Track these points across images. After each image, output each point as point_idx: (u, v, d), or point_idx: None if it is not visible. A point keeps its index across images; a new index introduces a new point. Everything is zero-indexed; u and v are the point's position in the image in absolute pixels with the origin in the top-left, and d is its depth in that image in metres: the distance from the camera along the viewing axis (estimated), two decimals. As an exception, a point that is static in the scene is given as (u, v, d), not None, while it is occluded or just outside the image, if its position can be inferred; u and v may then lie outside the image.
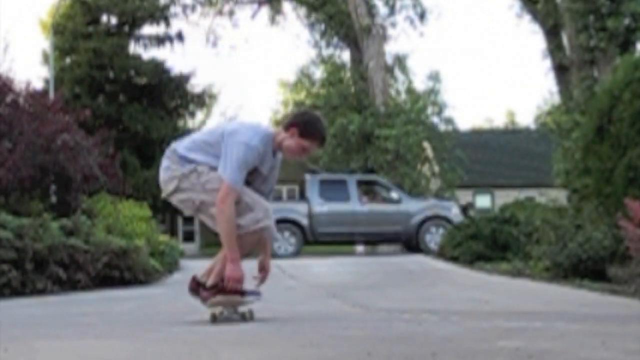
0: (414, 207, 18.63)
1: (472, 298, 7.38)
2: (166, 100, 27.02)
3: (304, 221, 18.22)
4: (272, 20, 30.60)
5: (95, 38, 26.00)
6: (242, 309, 4.93)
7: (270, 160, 4.94)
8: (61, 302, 7.82)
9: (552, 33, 23.43)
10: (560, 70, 22.78)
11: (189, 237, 29.00)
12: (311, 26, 29.55)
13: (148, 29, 27.69)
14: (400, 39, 57.29)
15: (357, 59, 26.91)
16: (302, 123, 4.92)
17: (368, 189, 20.07)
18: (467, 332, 4.35)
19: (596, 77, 20.02)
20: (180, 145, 4.96)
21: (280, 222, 17.65)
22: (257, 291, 4.97)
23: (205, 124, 32.26)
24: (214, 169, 4.82)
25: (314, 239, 18.48)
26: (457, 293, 8.10)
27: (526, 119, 62.04)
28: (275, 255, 17.02)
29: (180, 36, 27.55)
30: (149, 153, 24.19)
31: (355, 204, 18.56)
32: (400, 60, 28.94)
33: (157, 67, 26.77)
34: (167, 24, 27.65)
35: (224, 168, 4.75)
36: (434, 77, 27.15)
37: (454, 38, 73.36)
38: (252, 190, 4.90)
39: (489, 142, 34.87)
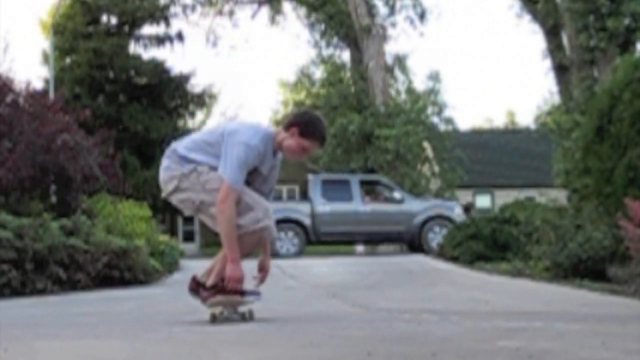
0: (417, 207, 18.65)
1: (472, 298, 7.38)
2: (166, 100, 27.02)
3: (307, 221, 18.24)
4: (272, 20, 30.63)
5: (95, 38, 26.00)
6: (242, 309, 4.93)
7: (270, 160, 4.94)
8: (61, 302, 7.81)
9: (552, 33, 23.44)
10: (560, 70, 22.79)
11: (189, 237, 29.00)
12: (311, 26, 29.57)
13: (148, 29, 27.73)
14: (400, 39, 57.34)
15: (357, 59, 26.92)
16: (303, 123, 4.91)
17: (371, 189, 20.08)
18: (467, 332, 4.35)
19: (596, 77, 20.03)
20: (180, 145, 4.96)
21: (283, 222, 17.70)
22: (257, 291, 4.97)
23: (205, 124, 32.29)
24: (214, 168, 4.82)
25: (317, 239, 18.50)
26: (457, 293, 8.09)
27: (526, 119, 62.09)
28: (278, 255, 17.09)
29: (180, 36, 27.56)
30: (149, 153, 24.19)
31: (358, 204, 18.58)
32: (400, 60, 28.95)
33: (157, 67, 26.77)
34: (167, 24, 27.66)
35: (224, 168, 4.75)
36: (434, 77, 27.17)
37: (454, 38, 73.42)
38: (252, 190, 4.90)
39: (489, 142, 34.88)
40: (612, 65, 18.08)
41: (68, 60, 26.50)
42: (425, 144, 25.91)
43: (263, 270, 5.02)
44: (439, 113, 26.94)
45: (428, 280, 9.94)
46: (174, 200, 4.94)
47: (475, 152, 29.40)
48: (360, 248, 22.68)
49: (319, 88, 29.67)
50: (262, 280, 5.01)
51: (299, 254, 17.71)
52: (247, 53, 79.91)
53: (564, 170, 17.38)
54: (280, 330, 4.59)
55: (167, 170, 4.92)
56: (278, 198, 22.52)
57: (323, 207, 18.44)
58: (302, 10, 29.63)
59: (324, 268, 12.38)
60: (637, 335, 4.28)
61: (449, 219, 17.79)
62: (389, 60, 27.87)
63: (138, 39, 27.67)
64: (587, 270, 8.44)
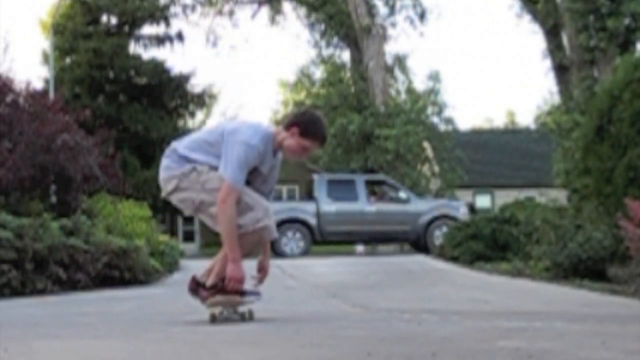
0: (422, 207, 18.67)
1: (472, 298, 7.38)
2: (166, 100, 27.01)
3: (312, 221, 18.26)
4: (272, 20, 30.64)
5: (95, 38, 25.99)
6: (242, 309, 4.92)
7: (270, 160, 4.94)
8: (61, 302, 7.81)
9: (552, 33, 23.45)
10: (560, 70, 22.79)
11: (189, 237, 29.00)
12: (311, 26, 29.58)
13: (148, 29, 27.72)
14: (400, 39, 57.28)
15: (357, 59, 26.92)
16: (303, 122, 4.91)
17: (376, 189, 20.08)
18: (467, 332, 4.35)
19: (596, 77, 20.03)
20: (180, 145, 4.96)
21: (289, 221, 17.77)
22: (257, 291, 4.97)
23: (205, 124, 32.28)
24: (213, 168, 4.81)
25: (322, 239, 18.52)
26: (457, 293, 8.09)
27: (526, 119, 62.06)
28: (284, 255, 17.12)
29: (180, 36, 27.55)
30: (149, 153, 24.19)
31: (364, 204, 18.60)
32: (400, 60, 28.96)
33: (157, 67, 26.76)
34: (167, 24, 27.65)
35: (225, 167, 4.74)
36: (434, 77, 27.17)
37: (454, 38, 73.49)
38: (252, 190, 4.89)
39: (489, 142, 34.88)
40: (612, 65, 18.09)
41: (68, 60, 26.50)
42: (425, 144, 25.91)
43: (262, 270, 5.02)
44: (439, 113, 26.94)
45: (428, 280, 9.94)
46: (174, 199, 4.94)
47: (475, 152, 29.41)
48: (360, 248, 22.68)
49: (319, 88, 29.68)
50: (261, 280, 5.00)
51: (305, 253, 17.73)
52: (247, 53, 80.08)
53: (564, 170, 17.39)
54: (280, 330, 4.59)
55: (167, 169, 4.92)
56: (278, 198, 22.53)
57: (329, 207, 18.47)
58: (302, 10, 29.64)
59: (324, 268, 12.38)
60: (637, 335, 4.28)
61: (455, 219, 17.80)
62: (389, 60, 27.88)
63: (138, 39, 27.66)
64: (587, 270, 8.44)
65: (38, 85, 19.89)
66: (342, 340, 4.07)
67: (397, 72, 29.36)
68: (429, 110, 26.63)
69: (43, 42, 27.87)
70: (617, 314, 5.71)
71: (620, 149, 8.94)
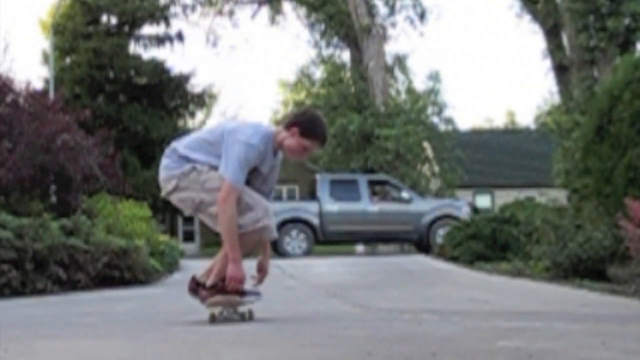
0: (425, 207, 18.68)
1: (472, 298, 7.38)
2: (166, 100, 27.01)
3: (315, 221, 18.27)
4: (272, 20, 30.63)
5: (95, 38, 25.99)
6: (242, 309, 4.92)
7: (270, 160, 4.93)
8: (61, 302, 7.81)
9: (552, 33, 23.44)
10: (560, 70, 22.79)
11: (189, 237, 29.00)
12: (311, 26, 29.58)
13: (148, 29, 27.70)
14: (400, 39, 57.25)
15: (357, 59, 26.92)
16: (303, 122, 4.90)
17: (378, 189, 20.08)
18: (467, 332, 4.35)
19: (596, 77, 20.02)
20: (180, 144, 4.96)
21: (291, 221, 17.77)
22: (257, 291, 4.97)
23: (205, 124, 32.25)
24: (213, 168, 4.81)
25: (325, 239, 18.54)
26: (457, 293, 8.09)
27: (526, 119, 62.10)
28: (286, 255, 17.14)
29: (180, 36, 27.54)
30: (149, 153, 24.18)
31: (366, 204, 18.61)
32: (400, 60, 28.96)
33: (157, 67, 26.75)
34: (167, 24, 27.64)
35: (225, 167, 4.74)
36: (434, 77, 27.19)
37: (454, 38, 73.44)
38: (252, 190, 4.89)
39: (489, 142, 34.88)
40: (612, 65, 18.09)
41: (68, 60, 26.49)
42: (425, 144, 25.91)
43: (262, 270, 5.01)
44: (439, 113, 26.95)
45: (428, 280, 9.94)
46: (174, 199, 4.94)
47: (475, 152, 29.41)
48: (360, 248, 22.69)
49: (319, 88, 29.68)
50: (260, 280, 5.00)
51: (308, 253, 17.74)
52: (247, 53, 79.99)
53: (564, 170, 17.38)
54: (280, 330, 4.59)
55: (167, 169, 4.92)
56: (278, 198, 22.54)
57: (331, 206, 18.48)
58: (302, 10, 29.63)
59: (324, 268, 12.38)
60: (637, 335, 4.28)
61: (458, 219, 17.79)
62: (389, 60, 27.88)
63: (138, 39, 27.65)
64: (587, 270, 8.44)
65: (38, 85, 19.90)
66: (342, 340, 4.07)
67: (397, 72, 29.37)
68: (429, 110, 26.64)
69: (43, 42, 27.89)
70: (617, 314, 5.71)
71: (620, 149, 8.94)
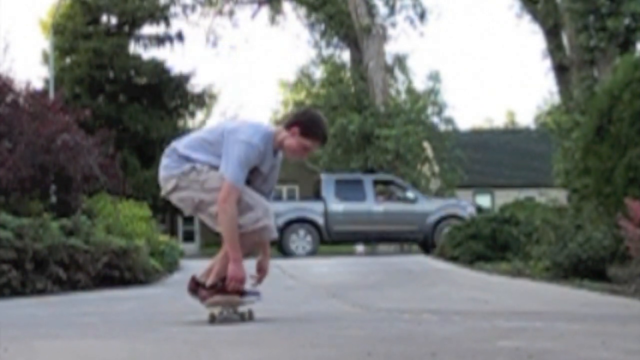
0: (430, 207, 18.69)
1: (472, 298, 7.37)
2: (166, 100, 27.01)
3: (320, 220, 18.28)
4: (272, 20, 30.64)
5: (95, 38, 25.99)
6: (242, 309, 4.92)
7: (270, 160, 4.93)
8: (61, 302, 7.81)
9: (552, 33, 23.44)
10: (560, 70, 22.79)
11: (189, 237, 29.00)
12: (311, 26, 29.58)
13: (148, 29, 27.71)
14: (400, 39, 57.26)
15: (357, 59, 26.92)
16: (304, 122, 4.90)
17: (384, 189, 20.09)
18: (467, 332, 4.35)
19: (596, 77, 20.02)
20: (180, 144, 4.96)
21: (296, 221, 17.78)
22: (257, 291, 4.97)
23: (206, 124, 32.24)
24: (213, 167, 4.81)
25: (330, 238, 18.55)
26: (457, 293, 8.09)
27: (526, 119, 62.17)
28: (292, 255, 17.16)
29: (180, 36, 27.55)
30: (149, 153, 24.18)
31: (371, 204, 18.62)
32: (400, 60, 28.97)
33: (157, 67, 26.75)
34: (167, 24, 27.64)
35: (226, 167, 4.74)
36: (434, 77, 27.20)
37: (454, 38, 73.49)
38: (252, 189, 4.88)
39: (489, 142, 34.88)
40: (612, 65, 18.07)
41: (68, 60, 26.49)
42: (425, 144, 25.92)
43: (261, 270, 5.01)
44: (439, 113, 26.96)
45: (428, 280, 9.93)
46: (174, 199, 4.94)
47: (475, 152, 29.41)
48: (360, 248, 22.69)
49: (319, 88, 29.68)
50: (260, 280, 5.00)
51: (313, 253, 17.75)
52: (247, 53, 80.00)
53: (564, 170, 17.38)
54: (280, 330, 4.59)
55: (167, 168, 4.92)
56: (278, 198, 22.54)
57: (336, 206, 18.49)
58: (302, 10, 29.63)
59: (324, 268, 12.37)
60: (637, 335, 4.28)
61: (462, 219, 17.79)
62: (389, 60, 27.89)
63: (138, 39, 27.65)
64: (587, 270, 8.44)
65: (38, 85, 19.92)
66: (342, 340, 4.07)
67: (397, 72, 29.38)
68: (429, 110, 26.65)
69: (43, 42, 27.91)
70: (617, 314, 5.71)
71: (620, 149, 8.94)
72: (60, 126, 12.80)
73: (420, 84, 28.42)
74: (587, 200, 9.72)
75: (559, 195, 16.90)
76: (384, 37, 26.98)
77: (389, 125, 24.17)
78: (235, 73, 63.96)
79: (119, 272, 10.02)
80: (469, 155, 27.04)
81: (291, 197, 27.33)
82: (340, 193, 18.67)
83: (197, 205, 4.86)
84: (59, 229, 9.69)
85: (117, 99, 26.30)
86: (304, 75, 31.33)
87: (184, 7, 28.80)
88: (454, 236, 13.30)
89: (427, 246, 18.28)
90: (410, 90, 28.38)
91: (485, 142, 34.56)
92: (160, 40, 27.42)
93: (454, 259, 12.83)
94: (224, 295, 4.82)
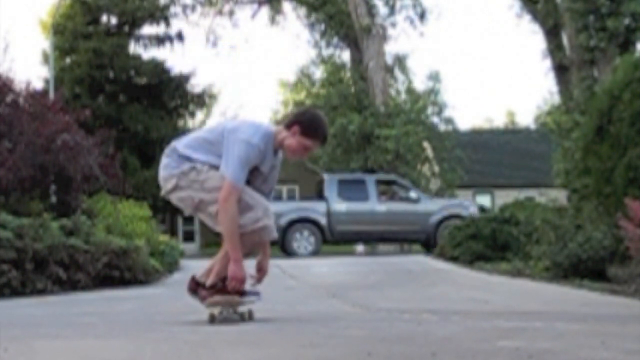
0: (433, 207, 18.70)
1: (472, 298, 7.38)
2: (166, 100, 27.01)
3: (323, 220, 18.29)
4: (272, 20, 30.64)
5: (95, 38, 25.99)
6: (242, 309, 4.92)
7: (271, 160, 4.92)
8: (61, 302, 7.81)
9: (552, 33, 23.44)
10: (560, 70, 22.78)
11: (189, 237, 29.00)
12: (311, 26, 29.58)
13: (148, 29, 27.72)
14: (400, 39, 57.28)
15: (357, 59, 26.92)
16: (304, 122, 4.89)
17: (386, 189, 20.10)
18: (467, 332, 4.35)
19: (596, 77, 20.02)
20: (180, 144, 4.95)
21: (299, 221, 17.79)
22: (256, 291, 4.96)
23: (206, 124, 32.25)
24: (213, 167, 4.80)
25: (333, 238, 18.57)
26: (457, 293, 8.09)
27: (526, 119, 62.18)
28: (295, 255, 17.18)
29: (180, 36, 27.55)
30: (149, 153, 24.19)
31: (374, 203, 18.63)
32: (400, 60, 28.98)
33: (157, 67, 26.76)
34: (167, 24, 27.65)
35: (226, 166, 4.73)
36: (434, 77, 27.21)
37: (454, 38, 73.50)
38: (252, 189, 4.88)
39: (489, 142, 34.88)
40: (612, 65, 18.07)
41: (68, 60, 26.49)
42: (425, 144, 25.92)
43: (261, 270, 5.00)
44: (439, 113, 26.97)
45: (428, 280, 9.94)
46: (173, 198, 4.93)
47: (475, 152, 29.41)
48: (360, 248, 22.69)
49: (319, 88, 29.68)
50: (259, 280, 4.99)
51: (316, 253, 17.76)
52: (247, 53, 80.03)
53: (564, 170, 17.38)
54: (280, 330, 4.59)
55: (167, 168, 4.91)
56: (278, 198, 22.55)
57: (339, 206, 18.50)
58: (302, 10, 29.64)
59: (324, 268, 12.37)
60: (637, 335, 4.28)
61: (465, 219, 17.76)
62: (389, 60, 27.89)
63: (138, 39, 27.66)
64: (587, 270, 8.44)
65: (38, 85, 19.91)
66: (342, 340, 4.07)
67: (397, 72, 29.38)
68: (429, 110, 26.66)
69: (43, 42, 27.91)
70: (617, 314, 5.71)
71: (620, 149, 8.94)
72: (60, 126, 12.80)
73: (420, 84, 28.47)
74: (587, 200, 9.72)
75: (559, 195, 16.90)
76: (384, 37, 26.99)
77: (389, 125, 24.16)
78: (235, 73, 64.06)
79: (119, 272, 10.02)
80: (469, 155, 27.03)
81: (291, 197, 27.32)
82: (343, 193, 18.68)
83: (197, 205, 4.86)
84: (59, 229, 9.69)
85: (117, 99, 26.31)
86: (304, 75, 31.33)
87: (184, 7, 28.83)
88: (454, 236, 13.31)
89: (429, 246, 18.28)
90: (410, 90, 28.38)
91: (485, 142, 34.56)
92: (160, 40, 27.43)
93: (454, 259, 12.83)
94: (223, 295, 4.81)
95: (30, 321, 5.85)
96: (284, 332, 4.46)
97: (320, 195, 19.12)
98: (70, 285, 9.29)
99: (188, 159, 4.85)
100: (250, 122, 5.01)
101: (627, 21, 19.28)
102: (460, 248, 12.81)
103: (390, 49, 28.58)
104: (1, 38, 39.28)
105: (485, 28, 76.44)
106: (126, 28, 27.34)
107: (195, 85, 27.68)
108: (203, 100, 28.41)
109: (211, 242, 23.45)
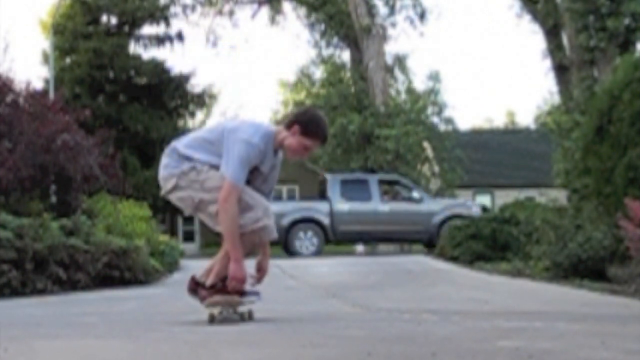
0: (436, 207, 18.70)
1: (472, 298, 7.38)
2: (166, 100, 27.02)
3: (326, 220, 18.29)
4: (272, 20, 30.64)
5: (95, 38, 26.00)
6: (242, 309, 4.92)
7: (271, 159, 4.92)
8: (61, 302, 7.82)
9: (552, 33, 23.44)
10: (560, 70, 22.78)
11: (189, 237, 29.00)
12: (311, 26, 29.57)
13: (148, 29, 27.73)
14: (400, 39, 57.25)
15: (357, 59, 26.92)
16: (304, 121, 4.89)
17: (389, 189, 20.10)
18: (467, 332, 4.35)
19: (596, 77, 20.01)
20: (180, 143, 4.95)
21: (302, 221, 17.80)
22: (256, 291, 4.96)
23: (206, 124, 32.24)
24: (214, 167, 4.80)
25: (335, 238, 18.58)
26: (457, 293, 8.10)
27: (526, 119, 62.11)
28: (297, 255, 17.18)
29: (180, 36, 27.56)
30: (149, 153, 24.19)
31: (377, 203, 18.63)
32: (400, 60, 28.97)
33: (157, 67, 26.77)
34: (167, 24, 27.66)
35: (226, 166, 4.73)
36: (434, 77, 27.20)
37: (454, 38, 73.52)
38: (252, 189, 4.88)
39: (489, 142, 34.88)
40: (612, 65, 18.08)
41: (68, 60, 26.50)
42: (425, 144, 25.91)
43: (261, 270, 5.00)
44: (439, 113, 26.96)
45: (428, 280, 9.94)
46: (173, 198, 4.93)
47: (475, 152, 29.41)
48: (360, 248, 22.70)
49: (319, 88, 29.67)
50: (259, 280, 4.99)
51: (318, 253, 17.76)
52: (247, 53, 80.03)
53: (564, 170, 17.38)
54: (280, 330, 4.59)
55: (167, 168, 4.91)
56: (278, 198, 22.55)
57: (342, 206, 18.50)
58: (302, 10, 29.63)
59: (324, 268, 12.37)
60: (637, 335, 4.28)
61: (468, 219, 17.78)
62: (389, 60, 27.88)
63: (138, 39, 27.66)
64: (587, 270, 8.44)
65: (38, 85, 19.91)
66: (342, 340, 4.07)
67: (397, 72, 29.37)
68: (429, 110, 26.65)
69: (43, 42, 27.92)
70: (617, 314, 5.71)
71: (620, 149, 8.94)
72: (60, 126, 12.79)
73: (420, 84, 28.46)
74: (587, 200, 9.73)
75: (559, 195, 16.90)
76: (384, 37, 26.98)
77: (389, 125, 24.16)
78: (235, 73, 64.04)
79: (119, 272, 10.02)
80: (469, 155, 27.03)
81: (291, 197, 27.32)
82: (346, 193, 18.69)
83: (197, 205, 4.85)
84: (59, 229, 9.69)
85: (117, 99, 26.31)
86: (304, 75, 31.32)
87: (184, 7, 28.83)
88: (454, 236, 13.31)
89: (432, 246, 18.28)
90: (410, 90, 28.38)
91: (485, 142, 34.56)
92: (160, 40, 27.44)
93: (454, 259, 12.83)
94: (223, 295, 4.81)
95: (30, 321, 5.85)
96: (284, 332, 4.46)
97: (322, 195, 19.12)
98: (70, 285, 9.29)
99: (188, 158, 4.84)
100: (250, 122, 5.01)
101: (627, 21, 19.27)
102: (460, 248, 12.82)
103: (390, 49, 28.61)
104: (1, 38, 39.28)
105: (485, 28, 76.53)
106: (126, 28, 27.34)
107: (195, 85, 27.72)
108: (203, 100, 28.42)
109: (211, 242, 23.44)
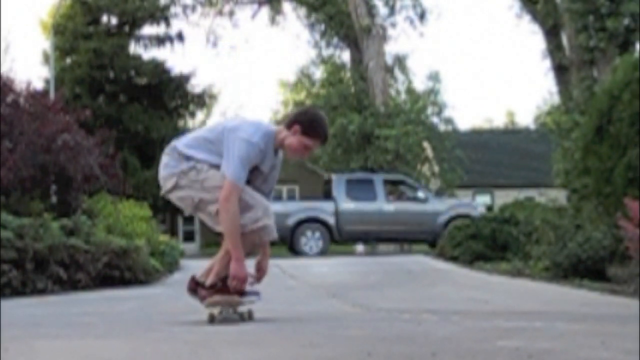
0: (441, 207, 18.71)
1: (472, 298, 7.38)
2: (166, 100, 27.02)
3: (331, 220, 18.30)
4: (272, 21, 30.64)
5: (96, 38, 26.01)
6: (241, 309, 4.92)
7: (271, 159, 4.92)
8: (61, 302, 7.82)
9: (552, 33, 23.44)
10: (560, 70, 22.79)
11: (189, 237, 29.00)
12: (311, 26, 29.58)
13: (148, 29, 27.75)
14: (400, 39, 57.16)
15: (357, 59, 26.92)
16: (305, 121, 4.88)
17: (394, 189, 20.10)
18: (467, 332, 4.35)
19: (596, 77, 20.02)
20: (180, 143, 4.94)
21: (307, 221, 17.81)
22: (256, 291, 4.96)
23: (206, 124, 32.23)
24: (214, 166, 4.79)
25: (341, 238, 18.59)
26: (457, 293, 8.10)
27: (526, 119, 62.10)
28: (303, 254, 17.20)
29: (180, 36, 27.57)
30: (149, 153, 24.18)
31: (382, 203, 18.64)
32: (400, 60, 28.98)
33: (157, 67, 26.77)
34: (167, 24, 27.67)
35: (227, 165, 4.72)
36: (434, 77, 27.20)
37: (454, 38, 73.50)
38: (252, 189, 4.88)
39: (489, 142, 34.87)
40: (612, 65, 18.06)
41: (68, 60, 26.51)
42: (425, 144, 25.92)
43: (260, 270, 5.00)
44: (439, 113, 26.96)
45: (428, 280, 9.94)
46: (173, 198, 4.92)
47: (475, 152, 29.41)
48: (360, 248, 22.70)
49: (319, 88, 29.68)
50: (258, 280, 4.98)
51: (324, 253, 17.77)
52: (247, 53, 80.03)
53: (564, 170, 17.38)
54: (280, 330, 4.59)
55: (167, 167, 4.90)
56: (278, 198, 22.55)
57: (347, 206, 18.51)
58: (302, 11, 29.63)
59: (324, 268, 12.38)
60: (637, 336, 4.28)
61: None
62: (389, 60, 27.89)
63: (138, 39, 27.67)
64: (587, 270, 8.44)
65: (38, 85, 19.89)
66: (342, 340, 4.07)
67: (397, 72, 29.38)
68: (429, 110, 26.65)
69: (43, 42, 27.90)
70: (617, 314, 5.71)
71: (620, 149, 8.94)
72: (60, 126, 12.79)
73: (420, 84, 28.46)
74: (587, 200, 9.73)
75: (559, 195, 16.89)
76: (384, 37, 26.98)
77: (389, 125, 24.16)
78: (235, 73, 64.05)
79: (119, 272, 10.02)
80: (469, 155, 27.03)
81: (291, 197, 27.32)
82: (351, 193, 18.72)
83: (197, 205, 4.85)
84: (59, 229, 9.69)
85: (117, 99, 26.32)
86: (304, 75, 31.33)
87: (184, 7, 28.84)
88: (454, 236, 13.31)
89: (436, 246, 18.28)
90: (410, 90, 28.38)
91: (485, 142, 34.56)
92: (160, 41, 27.45)
93: (453, 259, 12.83)
94: (223, 295, 4.81)
95: (30, 321, 5.85)
96: (284, 332, 4.46)
97: (327, 195, 19.12)
98: (70, 285, 9.29)
99: (188, 158, 4.84)
100: (250, 121, 5.00)
101: (626, 21, 19.27)
102: (460, 248, 12.82)
103: (390, 49, 28.61)
104: (2, 38, 39.27)
105: (485, 28, 76.51)
106: (126, 28, 27.35)
107: (196, 85, 27.73)
108: (203, 100, 28.42)
109: (211, 242, 23.44)
